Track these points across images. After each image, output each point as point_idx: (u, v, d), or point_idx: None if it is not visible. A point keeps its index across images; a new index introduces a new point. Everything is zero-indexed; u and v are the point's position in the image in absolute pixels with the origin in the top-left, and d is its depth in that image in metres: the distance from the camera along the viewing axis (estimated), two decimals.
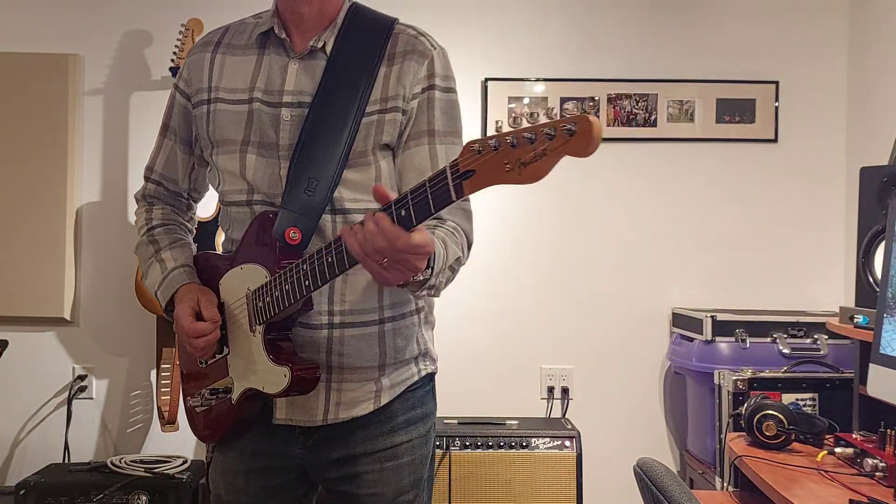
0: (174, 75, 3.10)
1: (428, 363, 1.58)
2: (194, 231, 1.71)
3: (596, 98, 3.22)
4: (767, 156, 3.27)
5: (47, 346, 3.25)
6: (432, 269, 1.27)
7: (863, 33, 3.20)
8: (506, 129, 0.96)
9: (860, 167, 2.29)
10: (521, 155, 1.02)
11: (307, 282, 1.30)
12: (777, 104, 3.26)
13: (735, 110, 3.26)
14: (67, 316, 3.22)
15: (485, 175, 1.06)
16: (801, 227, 3.26)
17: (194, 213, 1.72)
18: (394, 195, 1.18)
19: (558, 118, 1.01)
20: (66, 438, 3.14)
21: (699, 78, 3.26)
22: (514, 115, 3.24)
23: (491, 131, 3.22)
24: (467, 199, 1.46)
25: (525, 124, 0.89)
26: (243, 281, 1.44)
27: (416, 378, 1.54)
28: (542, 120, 0.89)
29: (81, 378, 3.23)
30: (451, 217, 1.45)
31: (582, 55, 3.27)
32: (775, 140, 3.27)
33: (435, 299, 1.58)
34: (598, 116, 3.23)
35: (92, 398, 3.25)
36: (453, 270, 1.40)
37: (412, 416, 1.53)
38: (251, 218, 1.47)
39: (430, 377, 1.60)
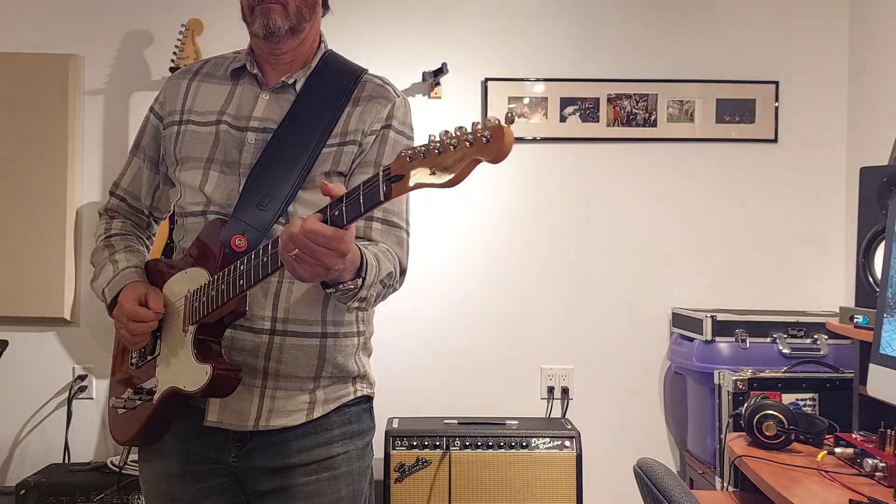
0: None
1: (365, 386, 1.62)
2: (150, 248, 1.76)
3: (596, 98, 3.24)
4: (767, 156, 3.27)
5: (47, 346, 3.25)
6: (363, 279, 1.34)
7: (863, 33, 3.20)
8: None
9: (860, 167, 2.29)
10: (444, 160, 1.10)
11: (241, 280, 1.35)
12: (777, 104, 3.26)
13: (735, 110, 3.26)
14: (67, 316, 3.22)
15: (411, 179, 1.14)
16: (801, 226, 3.26)
17: (153, 233, 1.78)
18: (341, 192, 1.24)
19: (478, 127, 1.10)
20: (67, 438, 3.15)
21: (699, 78, 3.26)
22: (513, 114, 3.24)
23: None
24: (402, 228, 1.57)
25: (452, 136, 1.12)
26: (186, 283, 1.50)
27: (351, 396, 1.58)
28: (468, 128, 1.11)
29: (81, 378, 3.23)
30: (383, 241, 1.53)
31: (582, 55, 3.28)
32: (775, 140, 3.27)
33: (374, 321, 1.67)
34: (599, 118, 3.25)
35: (92, 398, 3.25)
36: (385, 286, 1.45)
37: (349, 430, 1.56)
38: (203, 225, 1.54)
39: (367, 399, 1.63)
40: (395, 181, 1.16)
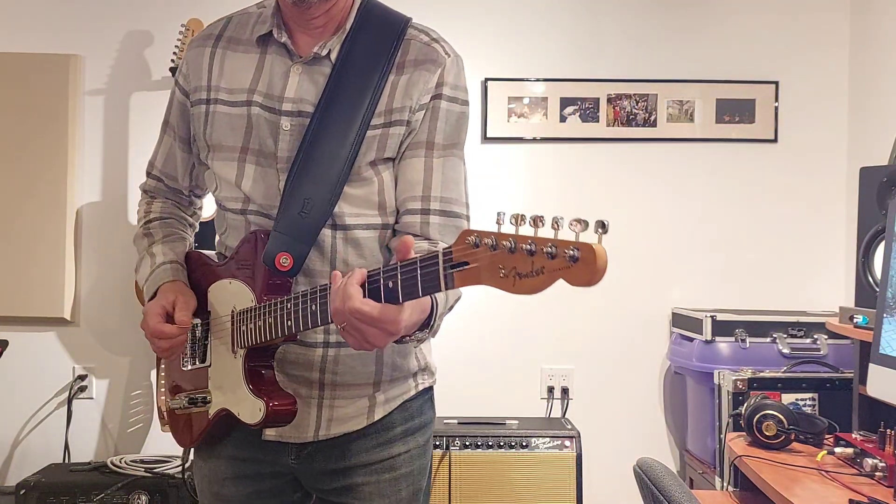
0: (174, 75, 3.09)
1: (426, 377, 1.52)
2: (196, 225, 1.65)
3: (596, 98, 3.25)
4: (767, 156, 3.27)
5: (47, 346, 3.25)
6: (432, 327, 1.23)
7: (863, 33, 3.20)
8: (507, 210, 0.99)
9: (860, 167, 2.30)
10: (517, 264, 0.95)
11: (289, 322, 1.26)
12: (777, 104, 3.26)
13: (735, 110, 3.26)
14: (67, 316, 3.22)
15: (477, 272, 0.99)
16: (801, 227, 3.26)
17: (198, 208, 1.66)
18: (413, 255, 1.09)
19: (563, 238, 0.91)
20: (67, 438, 3.14)
21: (699, 78, 3.26)
22: (514, 114, 3.24)
23: (491, 131, 3.23)
24: (463, 216, 1.41)
25: (527, 227, 0.92)
26: (231, 296, 1.40)
27: (412, 392, 1.49)
28: (548, 227, 0.91)
29: (81, 378, 3.23)
30: (443, 237, 1.38)
31: (582, 55, 3.28)
32: (775, 140, 3.27)
33: None
34: (599, 118, 3.24)
35: (92, 398, 3.25)
36: (451, 308, 1.35)
37: (410, 427, 1.48)
38: (246, 228, 1.42)
39: (428, 389, 1.54)
40: (458, 268, 0.99)
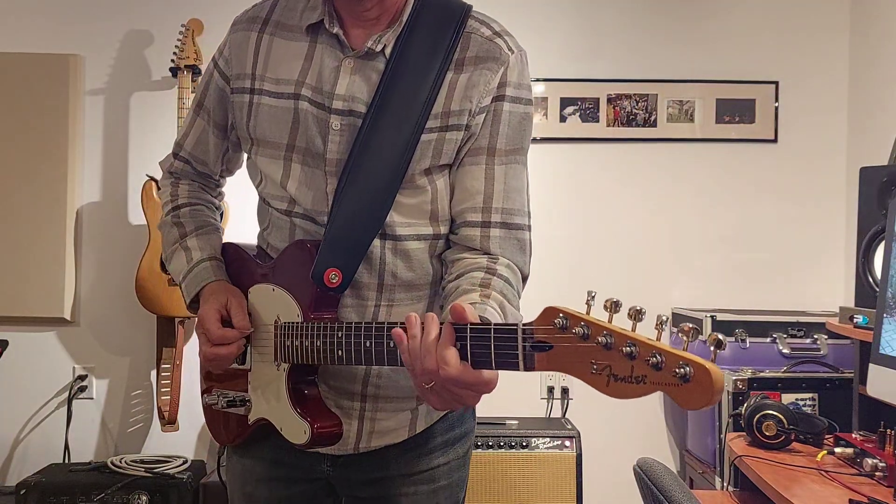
0: (174, 75, 3.10)
1: None
2: (222, 207, 1.58)
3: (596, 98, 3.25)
4: (767, 156, 3.27)
5: (47, 346, 3.25)
6: None
7: (863, 33, 3.20)
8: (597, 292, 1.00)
9: (860, 167, 2.30)
10: (613, 363, 0.85)
11: (340, 352, 1.19)
12: (777, 104, 3.26)
13: (735, 110, 3.26)
14: (67, 316, 3.22)
15: (563, 359, 0.89)
16: (801, 227, 3.26)
17: (223, 189, 1.59)
18: (472, 317, 1.01)
19: (671, 349, 0.81)
20: (67, 438, 3.14)
21: (699, 78, 3.26)
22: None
23: None
24: (524, 227, 1.33)
25: (625, 318, 0.85)
26: (274, 304, 1.32)
27: None
28: (647, 322, 0.85)
29: (81, 378, 3.23)
30: (503, 251, 1.30)
31: (582, 55, 3.28)
32: (775, 140, 3.27)
33: None
34: (599, 118, 3.24)
35: (92, 398, 3.25)
36: None
37: (451, 437, 1.42)
38: (291, 230, 1.35)
39: None
40: (540, 349, 0.91)
